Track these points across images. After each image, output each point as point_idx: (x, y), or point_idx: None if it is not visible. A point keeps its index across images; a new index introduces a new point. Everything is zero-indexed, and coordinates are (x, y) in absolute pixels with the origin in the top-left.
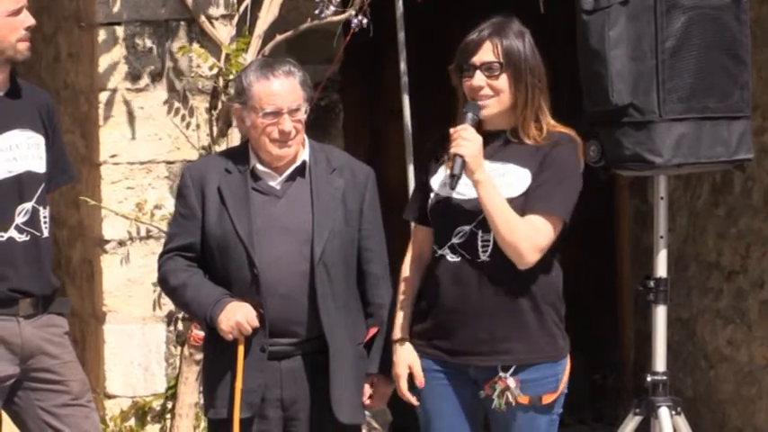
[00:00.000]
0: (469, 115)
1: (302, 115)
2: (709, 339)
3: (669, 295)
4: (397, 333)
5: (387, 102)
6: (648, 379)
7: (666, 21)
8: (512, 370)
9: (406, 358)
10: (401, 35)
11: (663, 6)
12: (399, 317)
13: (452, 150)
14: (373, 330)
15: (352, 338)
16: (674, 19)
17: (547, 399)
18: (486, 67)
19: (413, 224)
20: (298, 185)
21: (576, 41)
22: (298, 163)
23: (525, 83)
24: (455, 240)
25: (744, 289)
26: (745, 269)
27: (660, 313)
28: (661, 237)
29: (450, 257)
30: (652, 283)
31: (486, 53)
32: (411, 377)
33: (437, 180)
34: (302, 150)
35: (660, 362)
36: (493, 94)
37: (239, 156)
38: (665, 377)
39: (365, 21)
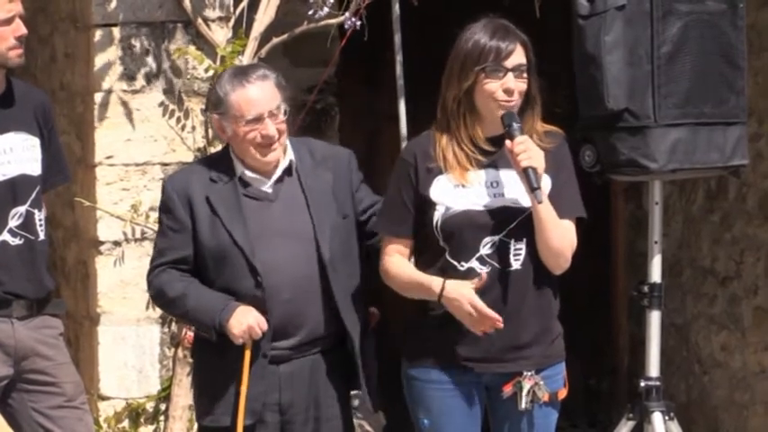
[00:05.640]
0: (515, 125)
1: (283, 116)
2: (702, 345)
3: (663, 301)
4: (436, 283)
5: (383, 105)
6: (642, 384)
7: (662, 26)
8: (533, 370)
9: (461, 287)
10: (397, 37)
11: (659, 12)
12: (424, 277)
13: (523, 164)
14: (374, 317)
15: (364, 332)
16: (670, 24)
17: (561, 394)
18: (518, 70)
19: (389, 238)
20: (288, 186)
21: (572, 46)
22: (285, 164)
23: (532, 80)
24: (484, 251)
25: (738, 295)
26: (740, 275)
27: (654, 318)
28: (655, 242)
29: (480, 269)
30: (646, 289)
31: (519, 56)
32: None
33: (442, 192)
34: (287, 149)
35: (654, 367)
36: (519, 96)
37: (221, 164)
38: (658, 382)
39: (358, 23)
